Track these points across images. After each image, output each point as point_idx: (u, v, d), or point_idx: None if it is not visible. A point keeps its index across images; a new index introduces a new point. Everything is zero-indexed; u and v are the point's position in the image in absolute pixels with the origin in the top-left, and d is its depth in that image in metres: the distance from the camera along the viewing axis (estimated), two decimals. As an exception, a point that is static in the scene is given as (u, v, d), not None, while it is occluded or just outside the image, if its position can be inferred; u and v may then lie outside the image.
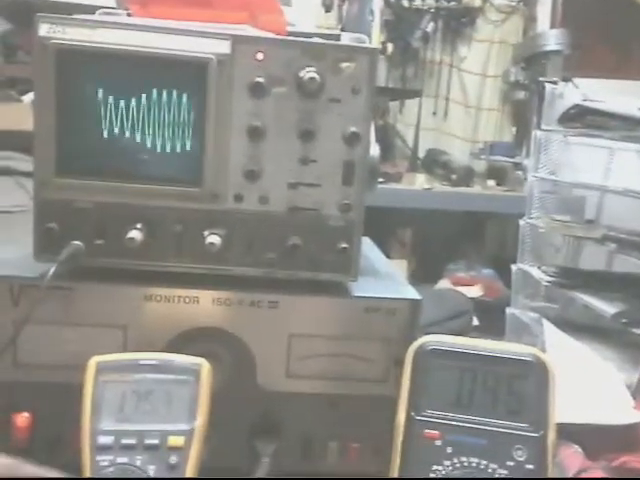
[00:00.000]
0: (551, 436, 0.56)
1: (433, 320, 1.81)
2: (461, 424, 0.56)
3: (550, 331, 1.38)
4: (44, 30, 0.62)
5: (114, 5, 0.83)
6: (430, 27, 2.85)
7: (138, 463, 0.55)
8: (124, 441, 0.56)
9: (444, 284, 2.62)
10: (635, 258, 1.65)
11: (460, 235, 2.92)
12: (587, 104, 1.71)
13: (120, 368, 0.59)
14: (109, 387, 0.58)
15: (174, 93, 0.64)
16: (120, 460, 0.55)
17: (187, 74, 0.63)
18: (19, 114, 1.88)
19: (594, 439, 0.86)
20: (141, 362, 0.60)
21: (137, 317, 0.67)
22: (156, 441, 0.56)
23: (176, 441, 0.56)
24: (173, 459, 0.55)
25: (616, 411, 0.92)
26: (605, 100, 1.72)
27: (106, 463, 0.55)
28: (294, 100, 0.65)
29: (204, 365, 0.60)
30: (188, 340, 0.68)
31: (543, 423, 0.56)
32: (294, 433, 0.71)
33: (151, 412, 0.57)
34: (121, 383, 0.58)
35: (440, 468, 0.55)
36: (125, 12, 0.76)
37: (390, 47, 2.72)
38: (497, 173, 2.89)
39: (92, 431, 0.56)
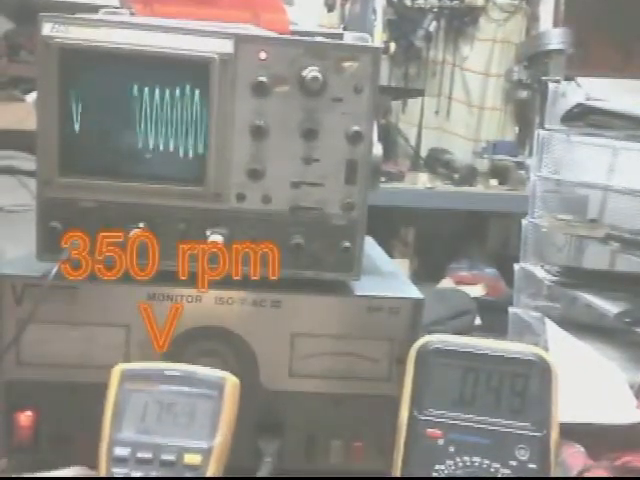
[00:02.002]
0: (554, 435, 0.56)
1: (436, 319, 1.81)
2: (463, 423, 0.56)
3: (553, 330, 1.38)
4: (47, 29, 0.62)
5: (117, 4, 0.83)
6: (433, 26, 2.84)
7: None
8: (140, 455, 0.54)
9: (447, 283, 2.62)
10: (638, 257, 1.65)
11: (463, 234, 2.91)
12: (590, 103, 1.71)
13: (145, 377, 0.57)
14: (133, 395, 0.57)
15: (177, 92, 0.64)
16: (135, 474, 0.54)
17: (190, 73, 0.63)
18: (22, 113, 1.88)
19: (597, 438, 0.86)
20: (166, 372, 0.58)
21: (140, 316, 0.67)
22: (172, 457, 0.54)
23: (192, 459, 0.54)
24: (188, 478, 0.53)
25: (619, 411, 0.92)
26: (608, 99, 1.71)
27: (121, 476, 0.54)
28: (297, 99, 0.65)
29: (229, 379, 0.58)
30: (191, 339, 0.68)
31: (546, 422, 0.56)
32: (297, 432, 0.71)
33: (172, 425, 0.56)
34: (145, 392, 0.57)
35: (442, 467, 0.55)
36: (128, 11, 0.76)
37: (393, 46, 2.71)
38: (500, 172, 2.88)
39: (110, 440, 0.55)
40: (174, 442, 0.55)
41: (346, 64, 0.65)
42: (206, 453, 0.55)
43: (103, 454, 0.54)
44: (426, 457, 0.56)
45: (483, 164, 2.97)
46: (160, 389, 0.57)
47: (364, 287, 0.71)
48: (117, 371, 0.57)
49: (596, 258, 2.09)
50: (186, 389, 0.57)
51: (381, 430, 0.70)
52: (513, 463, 0.55)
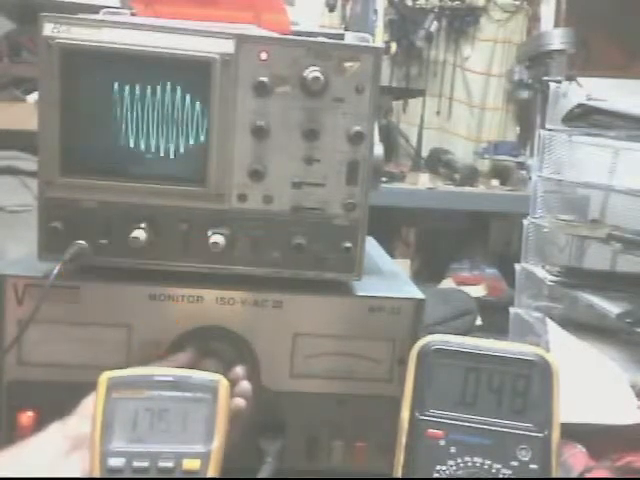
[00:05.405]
0: (555, 436, 0.55)
1: (437, 319, 1.81)
2: (465, 424, 0.56)
3: (554, 331, 1.38)
4: (48, 29, 0.62)
5: (118, 4, 0.83)
6: (434, 26, 2.83)
7: None
8: (136, 464, 0.53)
9: (448, 283, 2.61)
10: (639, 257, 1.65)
11: (464, 234, 2.91)
12: (591, 103, 1.70)
13: (133, 384, 0.56)
14: (121, 404, 0.55)
15: (178, 92, 0.64)
16: None
17: (191, 73, 0.63)
18: (24, 113, 1.88)
19: (598, 439, 0.86)
20: (156, 378, 0.57)
21: (142, 316, 0.68)
22: (170, 464, 0.53)
23: (192, 464, 0.53)
24: None
25: (620, 411, 0.92)
26: (610, 99, 1.71)
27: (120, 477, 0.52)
28: (298, 99, 0.65)
29: (222, 382, 0.57)
30: (192, 339, 0.68)
31: (547, 423, 0.56)
32: (298, 432, 0.71)
33: (165, 432, 0.54)
34: (134, 400, 0.55)
35: (444, 468, 0.55)
36: (129, 11, 0.76)
37: (394, 46, 2.71)
38: (501, 172, 2.88)
39: (102, 452, 0.53)
40: (170, 448, 0.54)
41: (347, 64, 0.65)
42: (205, 457, 0.54)
43: (95, 466, 0.53)
44: (427, 457, 0.56)
45: (484, 164, 2.97)
46: (149, 395, 0.55)
47: (365, 287, 0.71)
48: (103, 380, 0.56)
49: (597, 258, 2.08)
50: (178, 394, 0.56)
51: (382, 430, 0.70)
52: (514, 463, 0.55)
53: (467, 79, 3.05)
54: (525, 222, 2.06)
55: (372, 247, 0.98)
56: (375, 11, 2.37)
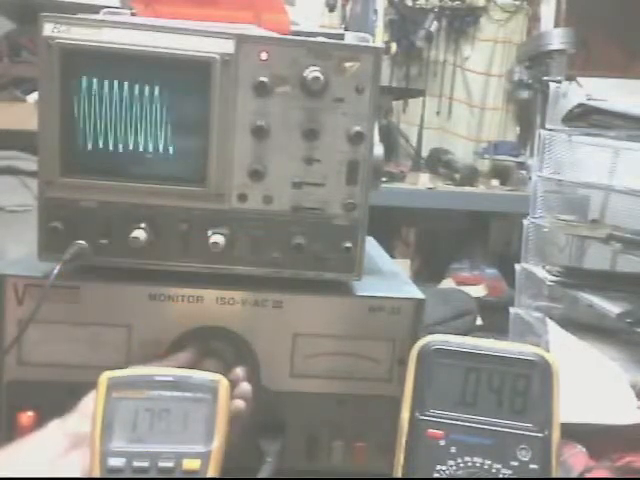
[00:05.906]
0: (555, 436, 0.55)
1: (437, 319, 1.81)
2: (465, 424, 0.56)
3: (554, 331, 1.38)
4: (48, 30, 0.62)
5: (118, 4, 0.83)
6: (434, 26, 2.84)
7: None
8: (136, 464, 0.53)
9: (448, 283, 2.62)
10: (639, 257, 1.65)
11: (464, 234, 2.91)
12: (591, 103, 1.70)
13: (133, 384, 0.56)
14: (121, 404, 0.55)
15: (178, 92, 0.64)
16: None
17: (191, 74, 0.63)
18: (24, 114, 1.88)
19: (598, 439, 0.86)
20: (156, 378, 0.56)
21: (142, 316, 0.68)
22: (170, 464, 0.53)
23: (192, 464, 0.53)
24: None
25: (620, 411, 0.92)
26: (610, 99, 1.71)
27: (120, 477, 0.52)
28: (298, 99, 0.65)
29: (222, 382, 0.57)
30: (192, 339, 0.68)
31: (547, 423, 0.56)
32: (298, 432, 0.71)
33: (166, 432, 0.54)
34: (134, 400, 0.55)
35: (444, 468, 0.55)
36: (129, 11, 0.76)
37: (394, 46, 2.71)
38: (501, 172, 2.88)
39: (102, 452, 0.53)
40: (170, 448, 0.54)
41: (347, 64, 0.65)
42: (205, 457, 0.54)
43: (95, 466, 0.53)
44: (427, 457, 0.56)
45: (484, 164, 2.97)
46: (149, 395, 0.55)
47: (365, 287, 0.71)
48: (103, 380, 0.56)
49: (597, 258, 2.08)
50: (178, 394, 0.56)
51: (382, 430, 0.70)
52: (515, 463, 0.55)
53: (467, 79, 3.05)
54: (525, 222, 2.06)
55: (372, 247, 0.98)
56: (375, 11, 2.37)
